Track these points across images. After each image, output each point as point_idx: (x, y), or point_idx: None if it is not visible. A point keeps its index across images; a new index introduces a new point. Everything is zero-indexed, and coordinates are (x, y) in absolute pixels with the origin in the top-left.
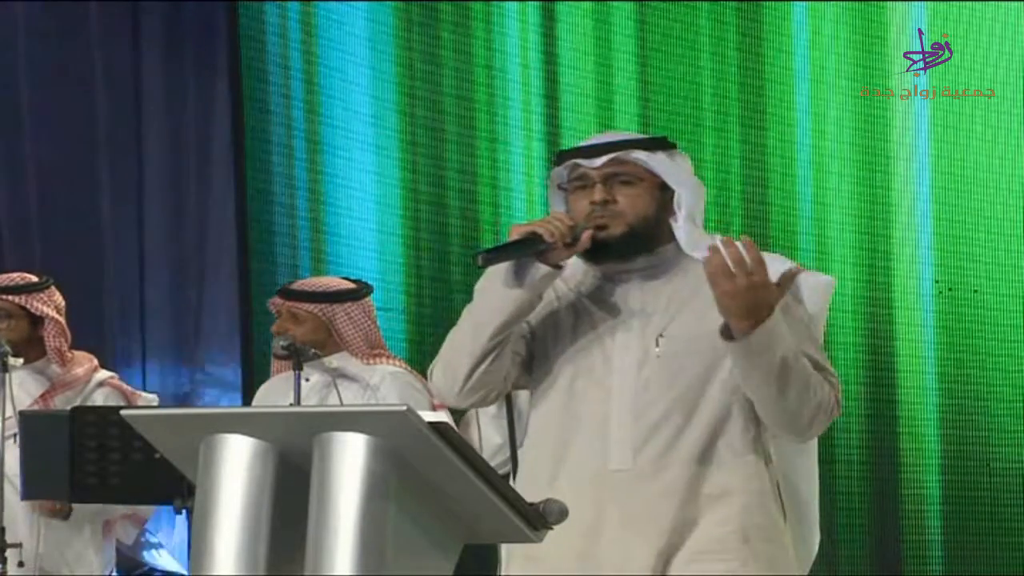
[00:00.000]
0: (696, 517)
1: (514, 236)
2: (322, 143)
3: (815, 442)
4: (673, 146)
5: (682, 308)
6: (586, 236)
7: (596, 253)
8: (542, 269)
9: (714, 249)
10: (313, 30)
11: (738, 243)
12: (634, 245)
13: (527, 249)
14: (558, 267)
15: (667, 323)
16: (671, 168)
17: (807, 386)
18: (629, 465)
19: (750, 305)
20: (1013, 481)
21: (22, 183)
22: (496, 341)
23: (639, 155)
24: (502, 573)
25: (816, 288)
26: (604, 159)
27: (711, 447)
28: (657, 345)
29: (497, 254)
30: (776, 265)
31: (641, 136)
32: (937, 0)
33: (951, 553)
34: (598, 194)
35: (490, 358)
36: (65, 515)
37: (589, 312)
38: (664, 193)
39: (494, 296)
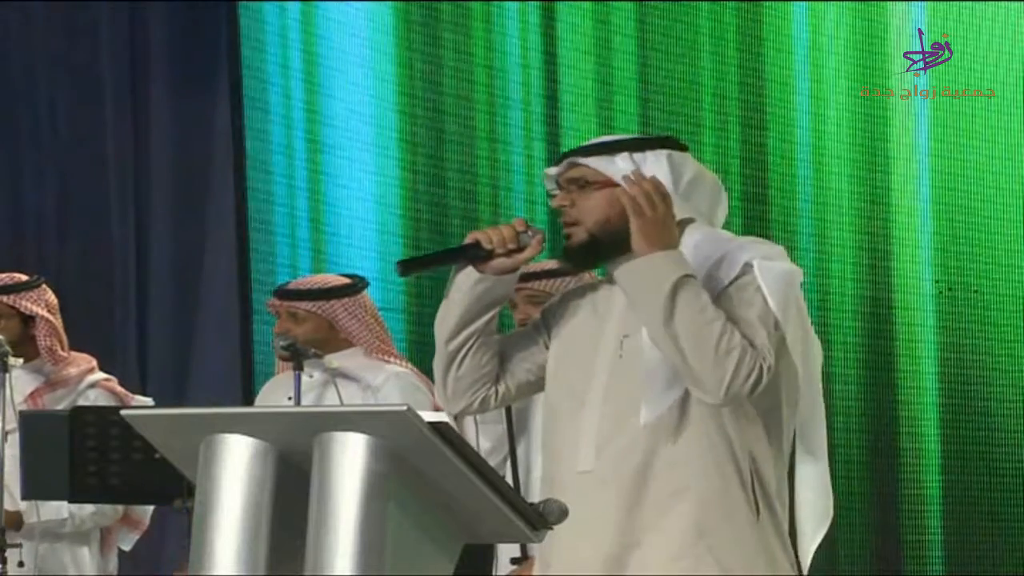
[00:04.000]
0: (652, 517)
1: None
2: (322, 143)
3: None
4: (659, 145)
5: None
6: (536, 241)
7: (569, 260)
8: (472, 276)
9: (631, 181)
10: (313, 30)
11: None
12: (602, 249)
13: (455, 258)
14: (507, 273)
15: (635, 325)
16: (628, 169)
17: (703, 321)
18: (592, 467)
19: (663, 235)
20: (1013, 481)
21: (29, 179)
22: (454, 346)
23: (589, 159)
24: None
25: (778, 277)
26: (562, 165)
27: (668, 448)
28: (621, 347)
29: (417, 263)
30: (758, 248)
31: (609, 139)
32: (937, 0)
33: (951, 553)
34: (557, 200)
35: (456, 362)
36: (17, 526)
37: (587, 315)
38: None
39: (444, 305)
